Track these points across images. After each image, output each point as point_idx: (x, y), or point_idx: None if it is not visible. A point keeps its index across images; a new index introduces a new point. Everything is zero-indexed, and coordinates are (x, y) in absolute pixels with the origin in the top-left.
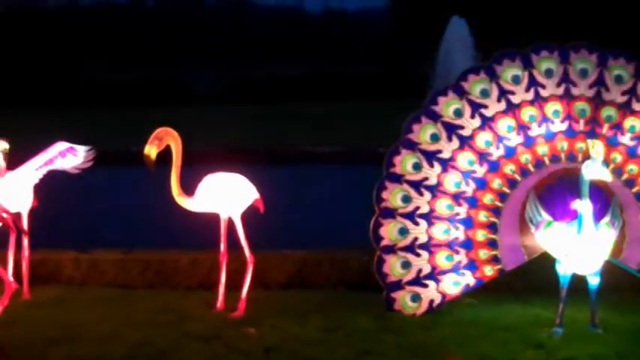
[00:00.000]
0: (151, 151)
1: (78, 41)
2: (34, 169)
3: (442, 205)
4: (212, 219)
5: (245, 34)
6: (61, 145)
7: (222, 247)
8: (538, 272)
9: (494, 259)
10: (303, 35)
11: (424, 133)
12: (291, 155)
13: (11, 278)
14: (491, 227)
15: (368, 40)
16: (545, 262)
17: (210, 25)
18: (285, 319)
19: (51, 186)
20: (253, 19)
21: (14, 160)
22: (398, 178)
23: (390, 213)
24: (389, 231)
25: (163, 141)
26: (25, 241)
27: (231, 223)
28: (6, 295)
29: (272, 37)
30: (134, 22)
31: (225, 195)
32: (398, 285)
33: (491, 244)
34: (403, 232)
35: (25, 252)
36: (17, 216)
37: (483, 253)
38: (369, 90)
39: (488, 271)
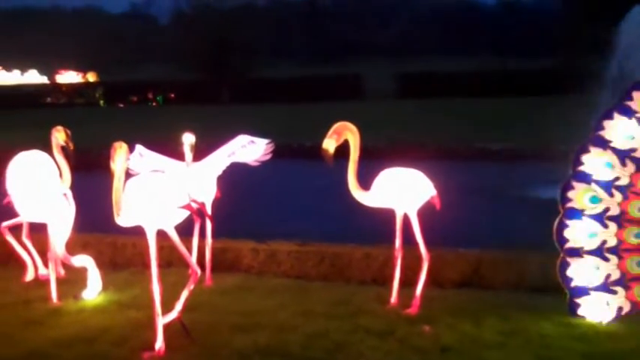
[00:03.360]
0: (330, 144)
1: (255, 39)
2: (218, 161)
3: (635, 208)
4: (387, 214)
5: (417, 28)
6: (243, 139)
7: (398, 242)
8: None
9: None
10: (477, 28)
11: (617, 130)
12: (463, 151)
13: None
14: None
15: (543, 32)
16: None
17: (382, 19)
18: (460, 319)
19: (233, 177)
20: (425, 12)
21: (200, 152)
22: (586, 178)
23: (577, 214)
24: (575, 233)
25: (342, 135)
26: (209, 230)
27: (406, 219)
28: (192, 281)
29: (444, 31)
30: (308, 19)
31: (402, 190)
32: (583, 290)
33: None
34: (591, 234)
35: (209, 240)
36: (202, 205)
37: None
38: (541, 84)
39: None
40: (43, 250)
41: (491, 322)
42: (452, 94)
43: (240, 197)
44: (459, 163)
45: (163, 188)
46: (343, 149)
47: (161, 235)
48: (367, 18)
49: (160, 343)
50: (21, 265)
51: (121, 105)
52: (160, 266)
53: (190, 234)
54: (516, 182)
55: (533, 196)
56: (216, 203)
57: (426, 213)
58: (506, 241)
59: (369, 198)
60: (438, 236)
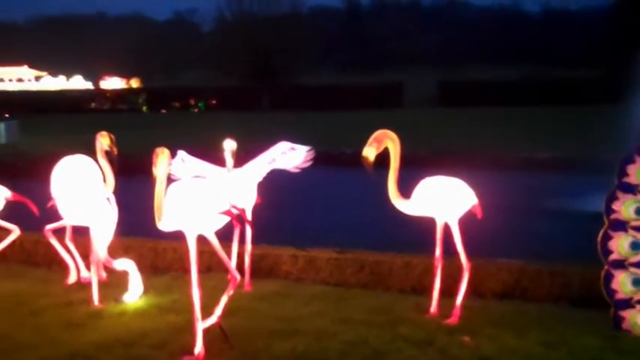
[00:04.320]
0: (370, 152)
1: (297, 46)
2: (258, 167)
3: None
4: (428, 222)
5: (460, 36)
6: (284, 145)
7: (438, 251)
8: None
9: None
10: (520, 36)
11: None
12: (507, 161)
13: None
14: None
15: (591, 41)
16: None
17: (425, 27)
18: (501, 330)
19: (273, 184)
20: (468, 20)
21: (240, 159)
22: (632, 189)
23: (622, 225)
24: (619, 245)
25: (382, 143)
26: (249, 236)
27: (447, 228)
28: (231, 286)
29: (487, 39)
30: (351, 27)
31: (443, 199)
32: (628, 303)
33: None
34: (636, 246)
35: (248, 246)
36: (242, 211)
37: None
38: (588, 94)
39: None
40: (85, 253)
41: (533, 334)
42: (496, 103)
43: (280, 204)
44: (503, 173)
45: (204, 194)
46: (384, 157)
47: (201, 240)
48: (410, 26)
49: (199, 348)
50: (64, 268)
51: (164, 111)
52: (200, 271)
53: (230, 239)
54: (560, 192)
55: (577, 206)
56: (256, 209)
57: (467, 222)
58: (548, 252)
59: (410, 206)
60: (479, 246)
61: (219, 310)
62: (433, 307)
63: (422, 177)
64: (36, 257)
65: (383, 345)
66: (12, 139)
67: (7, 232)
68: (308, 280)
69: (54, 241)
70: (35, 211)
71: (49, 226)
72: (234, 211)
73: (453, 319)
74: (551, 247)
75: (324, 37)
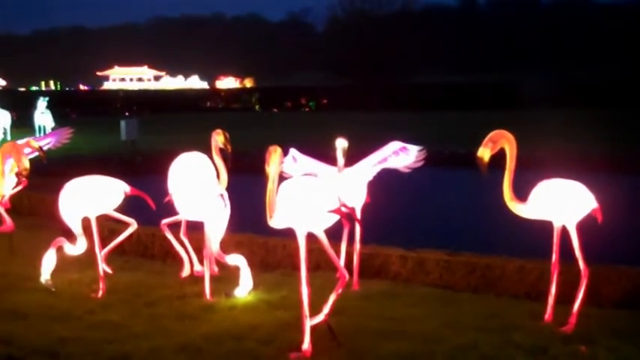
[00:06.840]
0: (485, 153)
1: (409, 46)
2: (369, 167)
3: None
4: (544, 226)
5: (578, 34)
6: (395, 145)
7: (554, 256)
8: None
9: None
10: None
11: None
12: (629, 163)
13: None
14: None
15: None
16: None
17: (542, 24)
18: (620, 340)
19: (383, 183)
20: (589, 18)
21: (351, 157)
22: None
23: None
24: None
25: (497, 144)
26: (358, 235)
27: (565, 233)
28: (340, 284)
29: (608, 37)
30: (464, 26)
31: (560, 202)
32: None
33: None
34: None
35: (357, 245)
36: (352, 210)
37: None
38: None
39: None
40: (199, 247)
41: None
42: (615, 104)
43: (390, 204)
44: (623, 175)
45: (315, 192)
46: (499, 158)
47: (311, 238)
48: (526, 23)
49: (306, 345)
50: (178, 262)
51: (276, 110)
52: (309, 269)
53: (339, 238)
54: None
55: None
56: (366, 209)
57: (587, 227)
58: None
59: (526, 209)
60: (598, 251)
61: (327, 308)
62: (548, 314)
63: (539, 179)
64: (152, 250)
65: (493, 351)
66: (131, 137)
67: (126, 225)
68: (417, 281)
69: (169, 235)
70: (152, 205)
71: (165, 221)
72: (344, 210)
73: (569, 327)
74: None
75: (438, 36)
